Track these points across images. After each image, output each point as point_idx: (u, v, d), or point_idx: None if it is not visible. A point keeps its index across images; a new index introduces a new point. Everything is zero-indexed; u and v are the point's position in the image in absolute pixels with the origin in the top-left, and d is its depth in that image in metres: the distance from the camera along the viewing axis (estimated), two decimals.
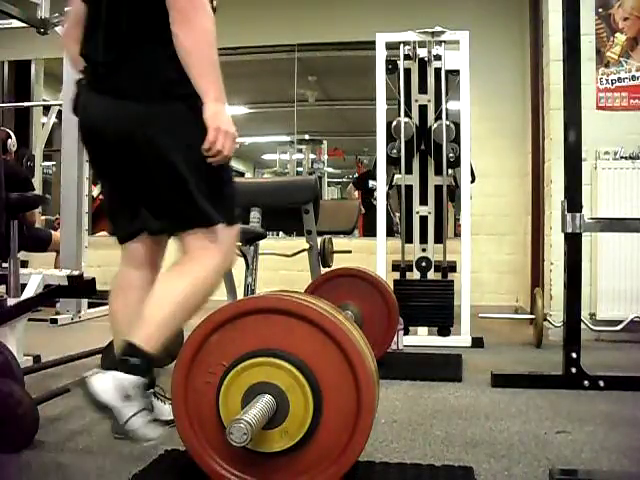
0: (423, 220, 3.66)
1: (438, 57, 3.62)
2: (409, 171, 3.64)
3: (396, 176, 3.69)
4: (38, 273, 2.75)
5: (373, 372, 1.38)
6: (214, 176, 1.57)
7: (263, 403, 1.27)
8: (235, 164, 8.95)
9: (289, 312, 1.36)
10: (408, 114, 3.63)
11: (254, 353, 1.33)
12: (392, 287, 3.16)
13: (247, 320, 1.37)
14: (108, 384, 1.37)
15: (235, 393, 1.32)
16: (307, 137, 7.94)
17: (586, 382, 2.42)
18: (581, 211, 2.44)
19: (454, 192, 3.94)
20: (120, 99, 1.53)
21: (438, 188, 3.62)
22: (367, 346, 1.43)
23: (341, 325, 1.34)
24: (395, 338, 3.03)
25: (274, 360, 1.32)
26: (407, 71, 3.66)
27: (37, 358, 2.75)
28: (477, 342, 3.44)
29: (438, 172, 3.61)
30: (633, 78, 3.63)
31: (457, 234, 4.74)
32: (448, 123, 3.56)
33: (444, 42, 3.58)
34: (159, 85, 1.52)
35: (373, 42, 3.65)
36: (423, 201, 3.66)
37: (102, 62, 1.55)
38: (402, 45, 3.62)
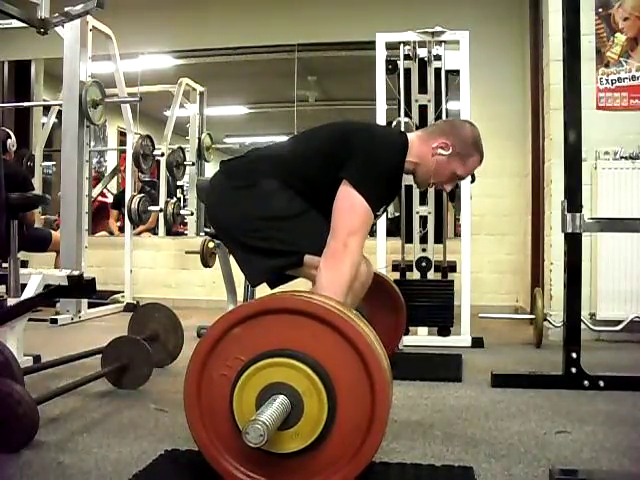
0: (423, 220, 3.66)
1: (438, 57, 3.62)
2: None
3: None
4: (38, 273, 2.75)
5: (388, 377, 1.37)
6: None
7: (279, 404, 1.26)
8: None
9: (315, 316, 1.34)
10: (408, 114, 3.63)
11: (274, 352, 1.33)
12: None
13: (271, 318, 1.37)
14: None
15: (250, 391, 1.32)
16: None
17: (586, 382, 2.42)
18: (581, 211, 2.44)
19: (454, 192, 3.93)
20: None
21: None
22: (382, 350, 1.42)
23: (364, 335, 1.33)
24: None
25: (293, 362, 1.31)
26: (407, 71, 3.66)
27: (37, 358, 2.74)
28: (477, 342, 3.45)
29: None
30: (633, 78, 3.63)
31: (457, 234, 4.73)
32: None
33: (444, 42, 3.58)
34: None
35: (373, 42, 3.65)
36: (423, 201, 3.66)
37: None
38: (402, 45, 3.62)
